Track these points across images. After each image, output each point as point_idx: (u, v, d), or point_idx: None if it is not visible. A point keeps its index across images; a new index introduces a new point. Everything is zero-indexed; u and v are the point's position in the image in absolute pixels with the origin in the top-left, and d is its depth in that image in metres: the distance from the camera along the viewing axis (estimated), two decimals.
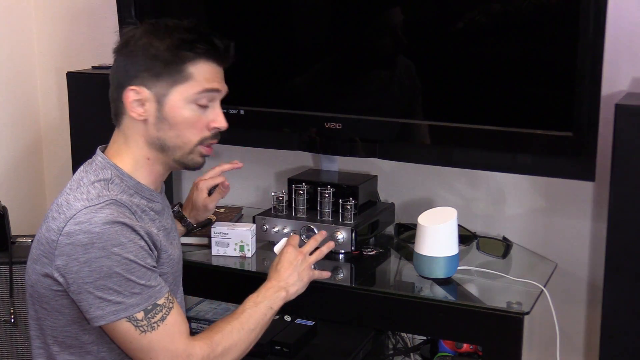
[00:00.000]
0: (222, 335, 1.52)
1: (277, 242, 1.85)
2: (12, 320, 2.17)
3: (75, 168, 2.42)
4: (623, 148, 1.70)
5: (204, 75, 1.50)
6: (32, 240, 2.23)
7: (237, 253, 1.99)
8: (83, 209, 1.41)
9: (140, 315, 1.42)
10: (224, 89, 1.55)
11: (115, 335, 1.44)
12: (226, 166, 1.96)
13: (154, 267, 1.47)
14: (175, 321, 1.46)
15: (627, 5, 1.95)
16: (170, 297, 1.48)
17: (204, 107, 1.51)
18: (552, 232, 2.16)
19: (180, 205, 1.98)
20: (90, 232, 1.38)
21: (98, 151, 1.57)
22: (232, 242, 1.98)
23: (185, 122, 1.50)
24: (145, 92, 1.49)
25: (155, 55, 1.47)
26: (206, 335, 1.52)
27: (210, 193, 1.96)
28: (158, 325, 1.43)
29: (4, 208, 2.22)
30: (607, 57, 1.76)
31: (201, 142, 1.53)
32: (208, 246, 2.02)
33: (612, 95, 1.94)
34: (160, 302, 1.44)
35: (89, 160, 1.56)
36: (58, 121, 2.69)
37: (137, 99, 1.49)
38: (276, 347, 1.98)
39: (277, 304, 1.64)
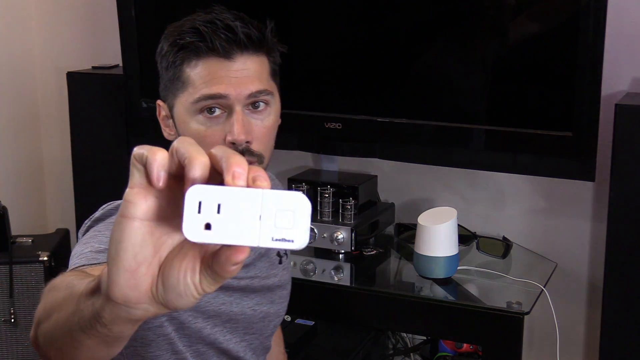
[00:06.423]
0: None
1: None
2: (12, 320, 2.17)
3: (75, 168, 2.44)
4: (623, 148, 1.70)
5: (201, 77, 1.19)
6: (32, 241, 2.26)
7: None
8: None
9: None
10: (238, 93, 1.19)
11: None
12: None
13: None
14: None
15: (627, 5, 1.95)
16: None
17: (215, 117, 1.20)
18: (552, 232, 2.16)
19: None
20: None
21: None
22: None
23: (194, 138, 1.23)
24: (165, 106, 1.26)
25: (160, 63, 1.25)
26: None
27: None
28: None
29: (4, 208, 2.22)
30: (607, 57, 1.76)
31: None
32: None
33: (612, 95, 1.94)
34: None
35: None
36: (58, 121, 2.69)
37: (164, 115, 1.27)
38: None
39: None
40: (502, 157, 1.96)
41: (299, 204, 0.58)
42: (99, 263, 1.00)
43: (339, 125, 2.06)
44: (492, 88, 1.93)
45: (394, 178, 2.29)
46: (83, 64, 2.47)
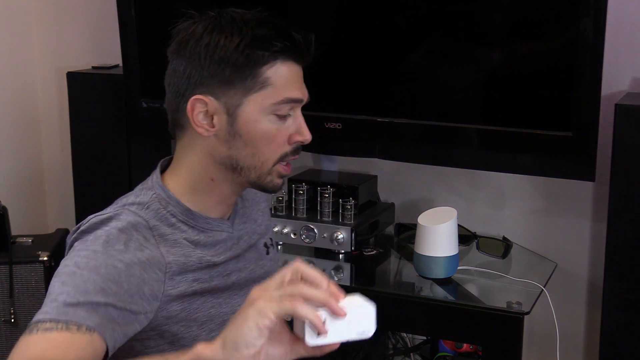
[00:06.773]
0: None
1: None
2: (12, 320, 2.17)
3: (75, 168, 2.43)
4: (623, 148, 1.70)
5: (284, 80, 1.24)
6: (32, 241, 2.26)
7: None
8: None
9: None
10: (305, 95, 1.29)
11: None
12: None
13: None
14: None
15: (627, 5, 1.95)
16: None
17: (283, 117, 1.26)
18: (552, 232, 2.16)
19: None
20: None
21: (157, 168, 1.31)
22: None
23: (263, 137, 1.25)
24: (213, 103, 1.22)
25: (222, 58, 1.20)
26: None
27: None
28: None
29: (4, 208, 2.22)
30: (607, 57, 1.76)
31: (281, 159, 1.29)
32: None
33: (612, 95, 1.94)
34: None
35: (148, 178, 1.32)
36: (58, 121, 2.69)
37: (203, 111, 1.23)
38: None
39: None
40: (502, 157, 1.96)
41: (367, 306, 0.93)
42: (66, 321, 1.10)
43: (339, 125, 2.06)
44: (492, 88, 1.92)
45: (394, 178, 2.29)
46: (83, 64, 2.48)
